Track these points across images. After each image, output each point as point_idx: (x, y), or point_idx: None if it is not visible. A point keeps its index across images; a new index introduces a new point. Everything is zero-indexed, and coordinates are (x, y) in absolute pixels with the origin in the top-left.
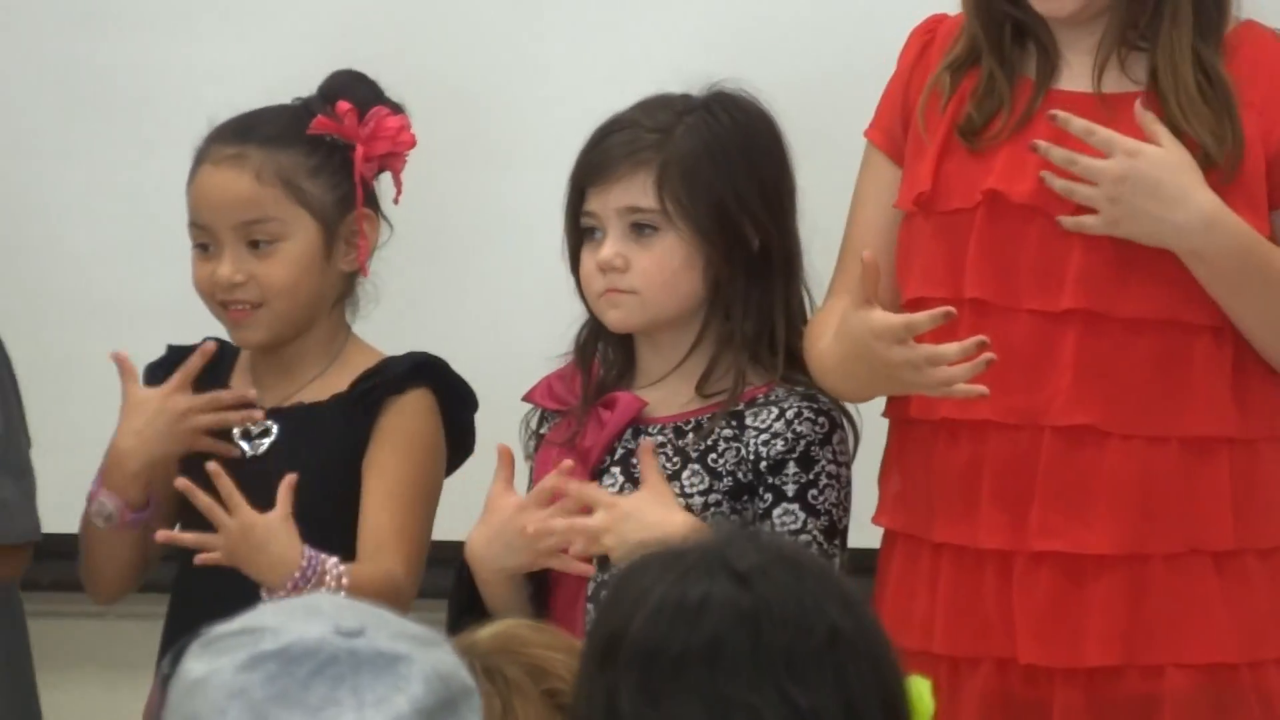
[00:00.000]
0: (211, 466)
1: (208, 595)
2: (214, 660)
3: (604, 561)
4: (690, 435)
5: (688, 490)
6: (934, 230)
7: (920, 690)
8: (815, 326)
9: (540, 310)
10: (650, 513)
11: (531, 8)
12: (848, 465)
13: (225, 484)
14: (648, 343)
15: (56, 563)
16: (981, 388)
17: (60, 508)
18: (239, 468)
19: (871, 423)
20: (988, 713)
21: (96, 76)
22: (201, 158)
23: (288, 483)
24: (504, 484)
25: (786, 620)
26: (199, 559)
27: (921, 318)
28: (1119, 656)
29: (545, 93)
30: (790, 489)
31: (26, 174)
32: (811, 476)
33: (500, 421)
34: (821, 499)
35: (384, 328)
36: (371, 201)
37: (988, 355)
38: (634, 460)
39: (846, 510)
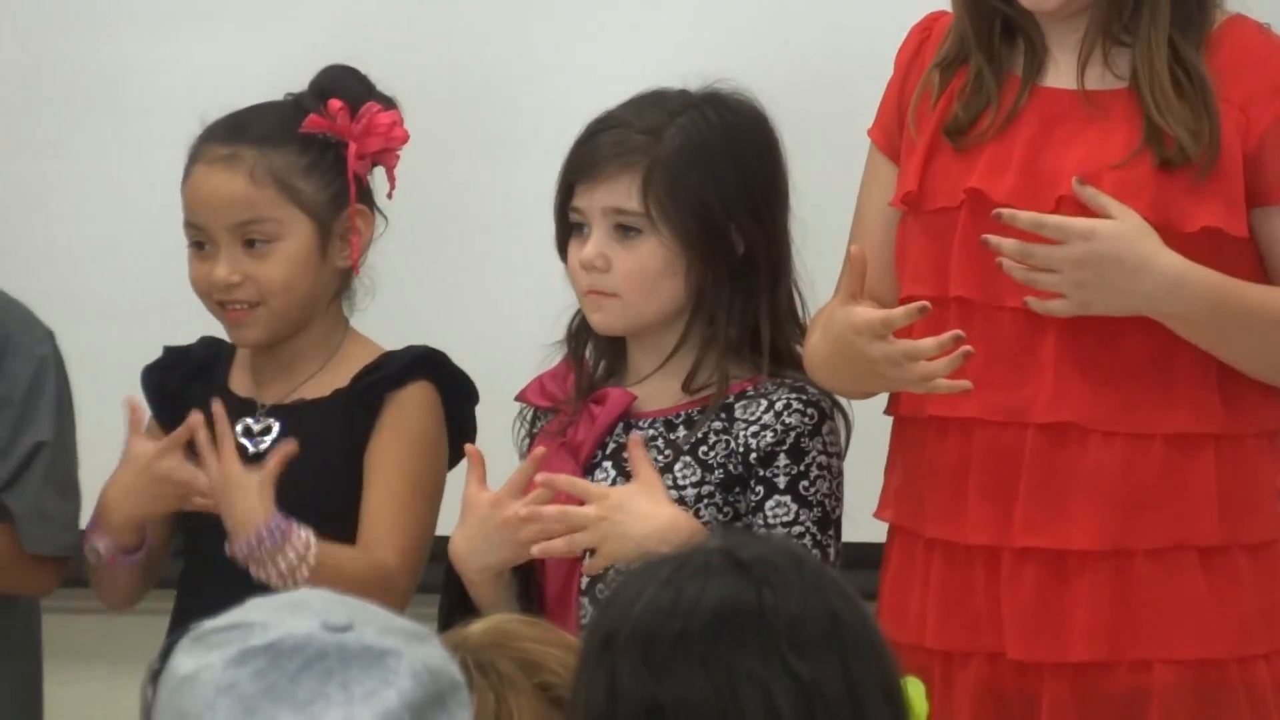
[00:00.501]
0: (216, 409)
1: (214, 591)
2: (203, 656)
3: (594, 550)
4: (681, 429)
5: (680, 483)
6: (921, 229)
7: (915, 691)
8: (814, 322)
9: (538, 303)
10: (641, 504)
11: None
12: (839, 456)
13: (222, 427)
14: (635, 341)
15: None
16: (964, 383)
17: None
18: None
19: (877, 420)
20: (980, 707)
21: (89, 75)
22: (195, 157)
23: (281, 448)
24: (477, 483)
25: (789, 601)
26: (196, 502)
27: (898, 313)
28: (1105, 652)
29: (543, 86)
30: (781, 481)
31: (20, 172)
32: (802, 468)
33: (500, 415)
34: (813, 490)
35: (382, 322)
36: (365, 197)
37: (965, 349)
38: (625, 454)
39: (839, 500)
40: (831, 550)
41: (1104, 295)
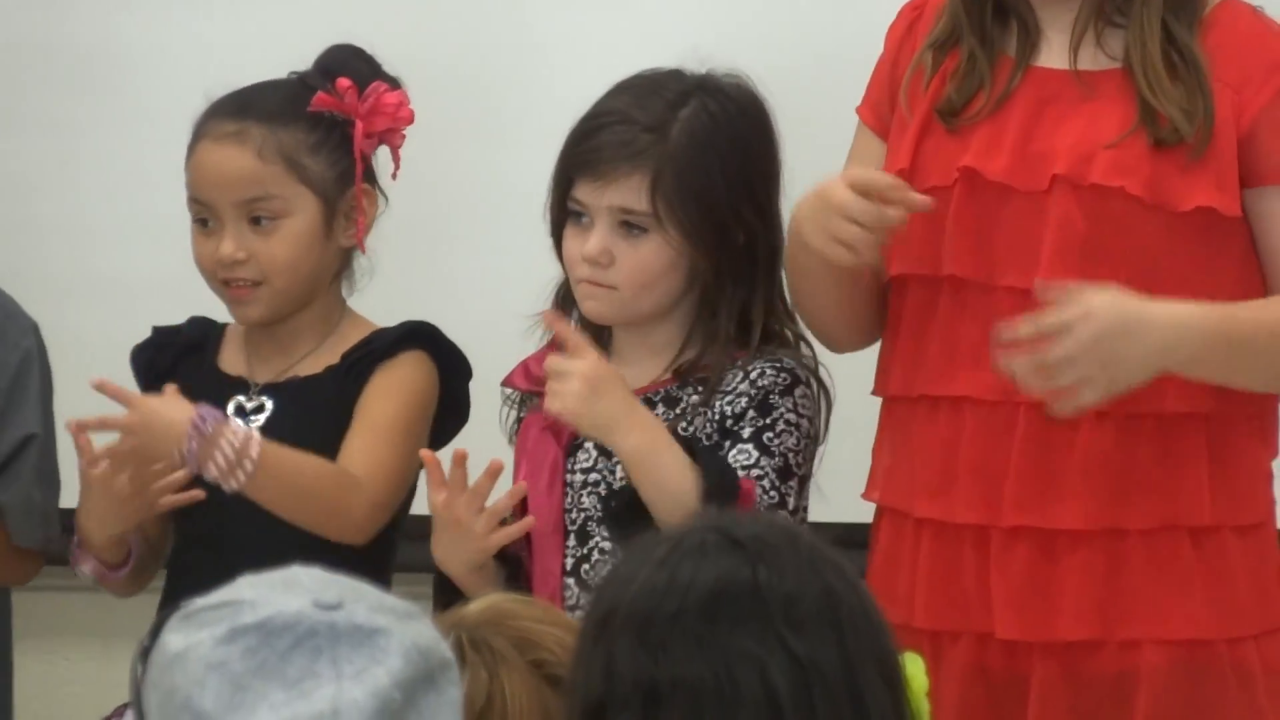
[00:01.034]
0: (94, 381)
1: (204, 569)
2: (193, 634)
3: (581, 536)
4: (661, 405)
5: None
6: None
7: (915, 667)
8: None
9: (535, 285)
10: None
11: None
12: (810, 420)
13: (113, 388)
14: (623, 328)
15: None
16: (925, 198)
17: None
18: None
19: (864, 401)
20: (968, 686)
21: (91, 52)
22: (200, 133)
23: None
24: (435, 486)
25: (784, 577)
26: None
27: (881, 179)
28: (1094, 631)
29: (543, 69)
30: (746, 431)
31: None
32: (768, 421)
33: (496, 396)
34: (777, 442)
35: (381, 303)
36: (370, 176)
37: (923, 198)
38: None
39: (807, 460)
40: (791, 500)
41: (1126, 364)
